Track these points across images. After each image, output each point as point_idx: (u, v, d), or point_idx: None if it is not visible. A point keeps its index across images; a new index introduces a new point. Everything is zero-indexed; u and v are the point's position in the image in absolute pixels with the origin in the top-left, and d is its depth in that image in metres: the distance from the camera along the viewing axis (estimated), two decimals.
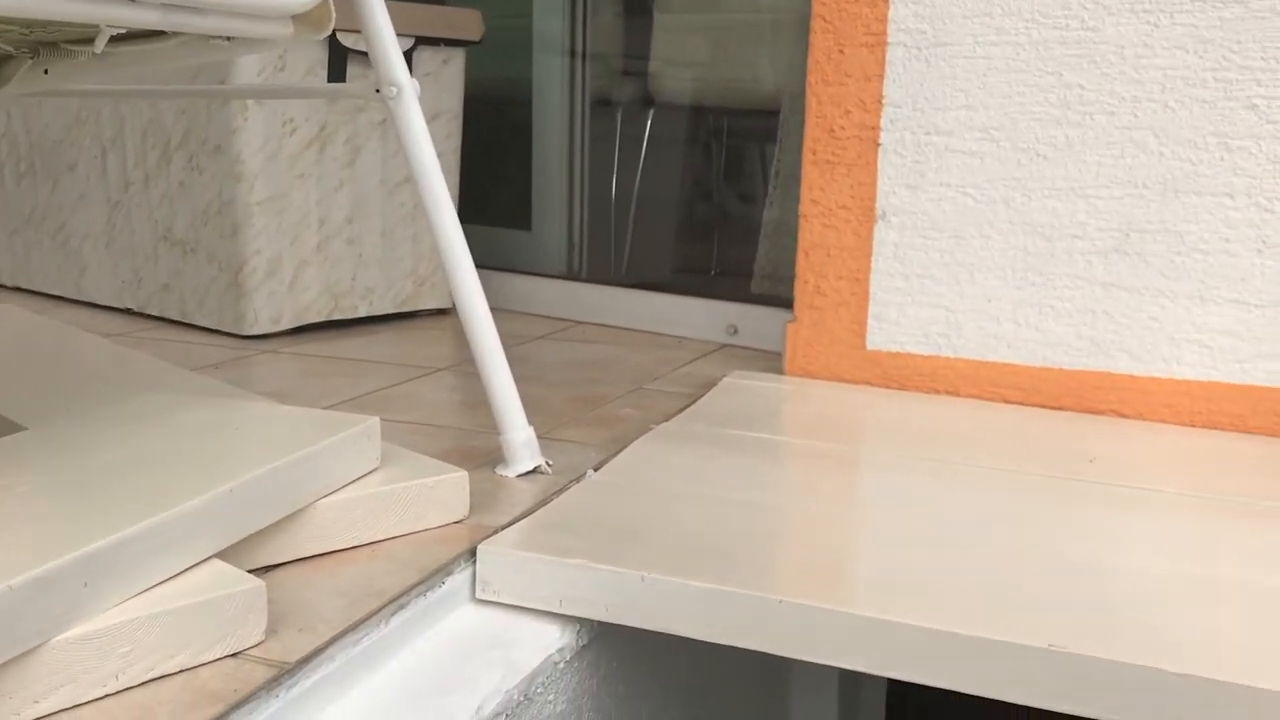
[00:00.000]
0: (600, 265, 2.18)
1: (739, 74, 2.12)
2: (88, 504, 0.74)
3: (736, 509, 1.00)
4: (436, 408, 1.33)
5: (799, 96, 1.46)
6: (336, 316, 1.75)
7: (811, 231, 1.46)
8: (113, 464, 0.83)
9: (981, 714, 1.09)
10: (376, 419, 0.94)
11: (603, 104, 2.16)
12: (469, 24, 1.83)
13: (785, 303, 1.52)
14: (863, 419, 1.35)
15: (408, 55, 1.74)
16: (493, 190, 2.16)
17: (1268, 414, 1.27)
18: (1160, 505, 1.06)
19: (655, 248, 2.26)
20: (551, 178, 2.11)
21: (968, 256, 1.38)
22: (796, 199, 1.46)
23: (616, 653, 0.95)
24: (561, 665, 0.86)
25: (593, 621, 0.89)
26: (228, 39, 0.89)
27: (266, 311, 1.67)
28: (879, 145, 1.41)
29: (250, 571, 0.78)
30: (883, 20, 1.38)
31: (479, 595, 0.89)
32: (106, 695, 0.66)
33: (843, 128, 1.42)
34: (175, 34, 0.88)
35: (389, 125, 1.74)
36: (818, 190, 1.44)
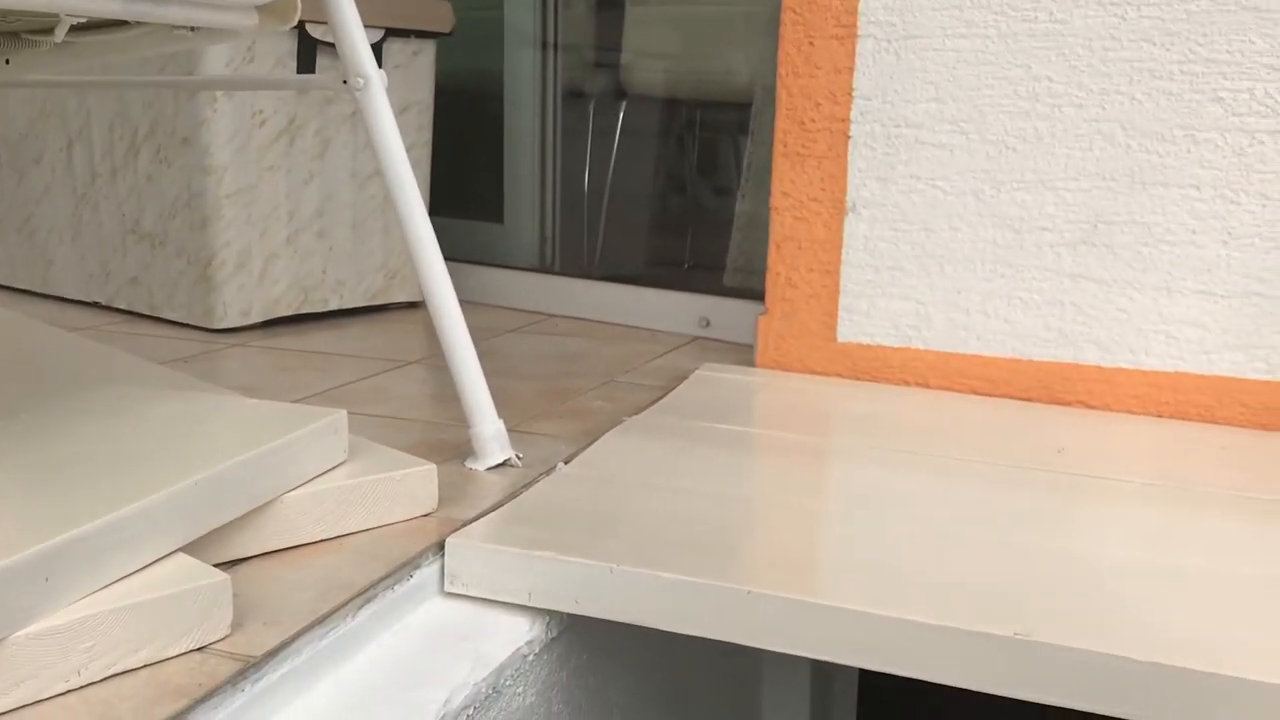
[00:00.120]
0: (573, 258, 2.17)
1: (711, 66, 2.12)
2: (50, 498, 0.74)
3: (707, 501, 1.00)
4: (406, 401, 1.32)
5: (771, 89, 1.46)
6: (306, 310, 1.74)
7: (782, 224, 1.46)
8: (76, 457, 0.82)
9: (956, 703, 1.09)
10: (343, 412, 0.94)
11: (575, 96, 2.15)
12: (439, 15, 1.83)
13: (758, 295, 1.52)
14: (833, 411, 1.35)
15: (377, 47, 1.73)
16: (464, 183, 2.15)
17: (1234, 404, 1.29)
18: (1127, 495, 1.07)
19: (628, 240, 2.26)
20: (523, 170, 2.10)
21: (937, 249, 1.38)
22: (769, 192, 1.46)
23: (586, 645, 0.95)
24: (530, 658, 0.85)
25: (562, 614, 0.88)
26: (191, 29, 0.88)
27: (236, 305, 1.66)
28: (849, 138, 1.41)
29: (217, 565, 0.77)
30: (853, 13, 1.38)
31: (447, 588, 0.89)
32: (69, 691, 0.66)
33: (813, 120, 1.42)
34: (138, 24, 0.87)
35: (359, 117, 1.73)
36: (788, 183, 1.44)
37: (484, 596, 0.88)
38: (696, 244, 2.23)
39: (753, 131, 1.92)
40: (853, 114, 1.40)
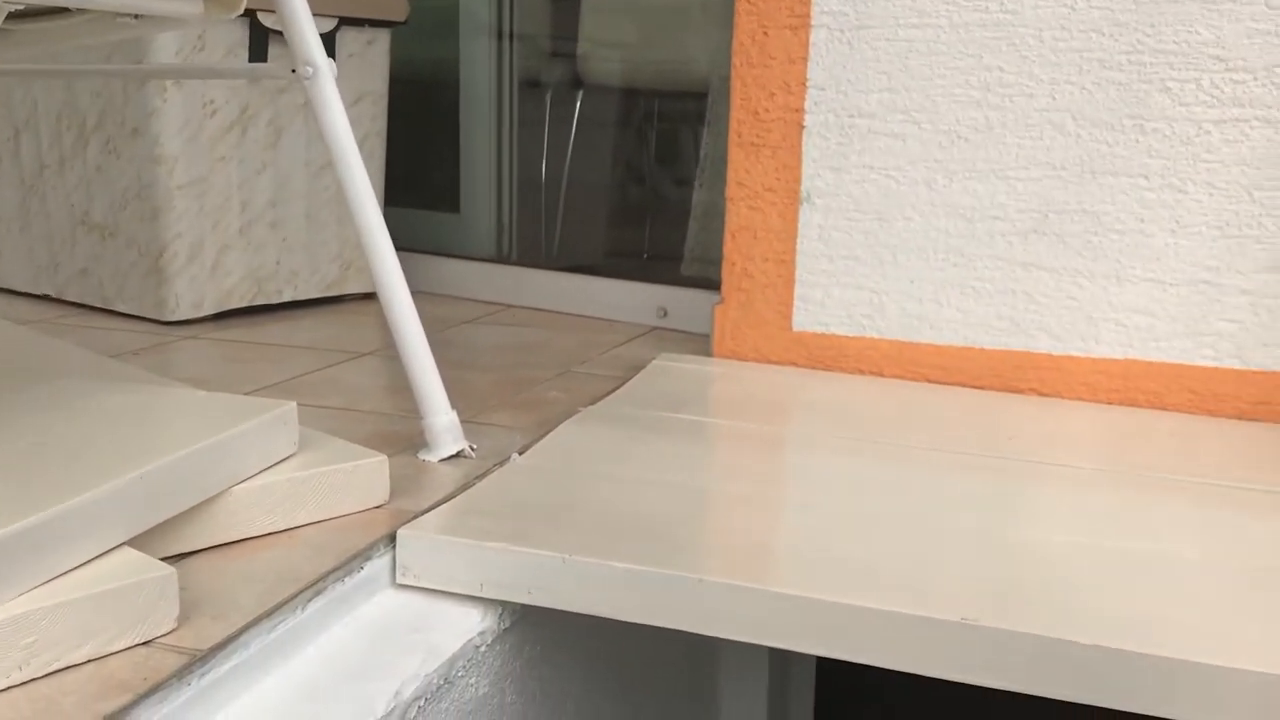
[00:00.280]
0: (530, 248, 2.17)
1: (668, 56, 2.12)
2: None
3: (661, 490, 1.00)
4: (360, 393, 1.31)
5: (727, 79, 1.46)
6: (261, 301, 1.72)
7: (738, 214, 1.46)
8: (20, 451, 0.81)
9: (913, 689, 1.10)
10: (293, 404, 0.93)
11: (531, 86, 2.14)
12: (394, 4, 1.81)
13: (715, 285, 1.53)
14: (788, 400, 1.36)
15: (331, 36, 1.72)
16: (420, 173, 2.14)
17: (1182, 390, 1.30)
18: (1076, 481, 1.08)
19: (586, 231, 2.25)
20: (480, 160, 2.09)
21: (891, 238, 1.39)
22: (725, 182, 1.46)
23: (541, 636, 0.95)
24: (483, 649, 0.85)
25: (515, 604, 0.88)
26: (135, 16, 0.87)
27: (188, 297, 1.64)
28: (803, 128, 1.41)
29: (166, 559, 0.77)
30: (806, 3, 1.38)
31: (399, 580, 0.88)
32: (10, 687, 0.65)
33: (767, 110, 1.42)
34: (80, 11, 0.86)
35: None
36: (743, 173, 1.45)
37: (436, 588, 0.88)
38: (654, 234, 2.23)
39: (709, 122, 1.92)
40: (807, 104, 1.40)
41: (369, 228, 1.02)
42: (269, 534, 0.88)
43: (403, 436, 1.12)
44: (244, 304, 1.70)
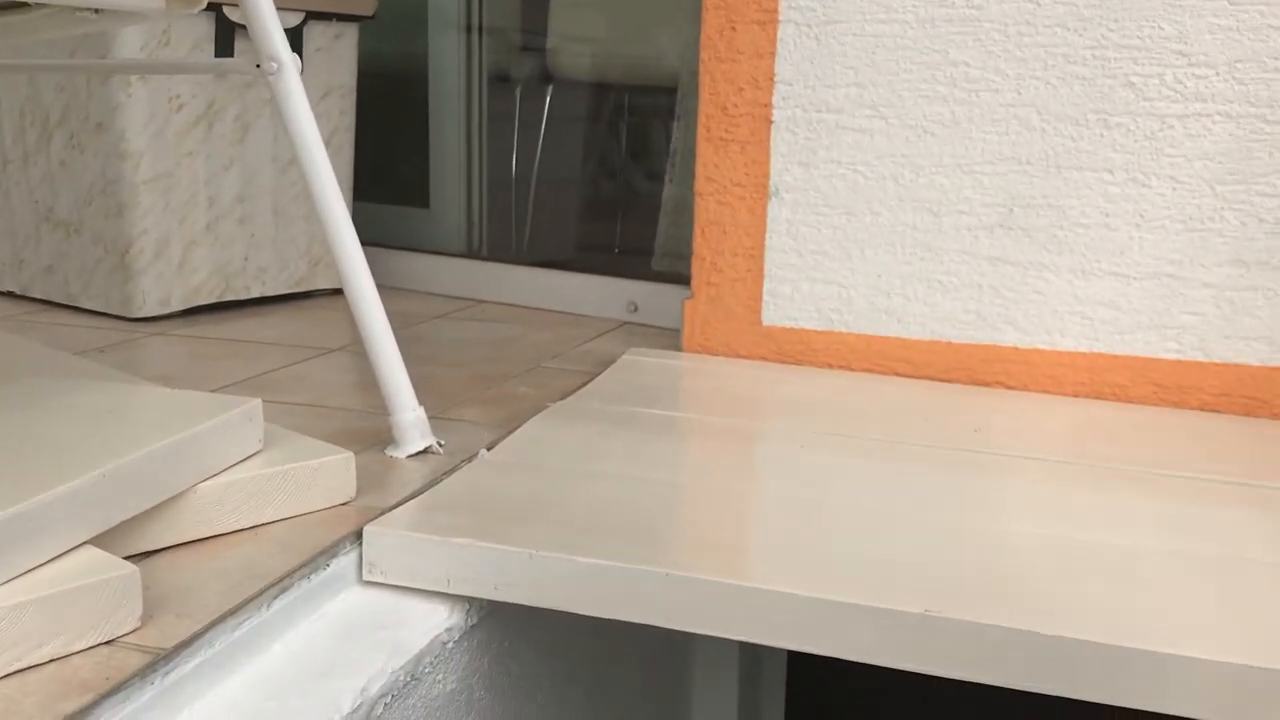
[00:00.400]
0: (500, 243, 2.16)
1: (638, 50, 2.11)
2: None
3: (629, 485, 1.00)
4: (327, 389, 1.31)
5: (697, 74, 1.46)
6: (228, 298, 1.71)
7: (707, 209, 1.46)
8: None
9: (884, 681, 1.11)
10: (259, 401, 0.92)
11: (501, 80, 2.14)
12: None
13: (685, 280, 1.53)
14: (757, 394, 1.36)
15: (298, 30, 1.71)
16: (389, 168, 2.13)
17: (1147, 383, 1.31)
18: (1040, 473, 1.09)
19: (556, 226, 2.25)
20: (449, 155, 2.09)
21: (859, 233, 1.40)
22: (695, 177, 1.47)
23: (509, 632, 0.95)
24: (451, 645, 0.85)
25: (483, 600, 0.88)
26: (96, 11, 0.86)
27: (155, 293, 1.63)
28: (772, 122, 1.41)
29: (130, 558, 0.76)
30: None
31: (366, 577, 0.88)
32: None
33: (736, 105, 1.42)
34: (39, 5, 0.85)
35: None
36: (712, 167, 1.45)
37: (402, 584, 0.87)
38: (625, 229, 2.23)
39: (679, 116, 1.92)
40: (774, 99, 1.41)
41: (334, 223, 1.02)
42: (234, 531, 0.87)
43: (370, 433, 1.12)
44: (211, 300, 1.69)
